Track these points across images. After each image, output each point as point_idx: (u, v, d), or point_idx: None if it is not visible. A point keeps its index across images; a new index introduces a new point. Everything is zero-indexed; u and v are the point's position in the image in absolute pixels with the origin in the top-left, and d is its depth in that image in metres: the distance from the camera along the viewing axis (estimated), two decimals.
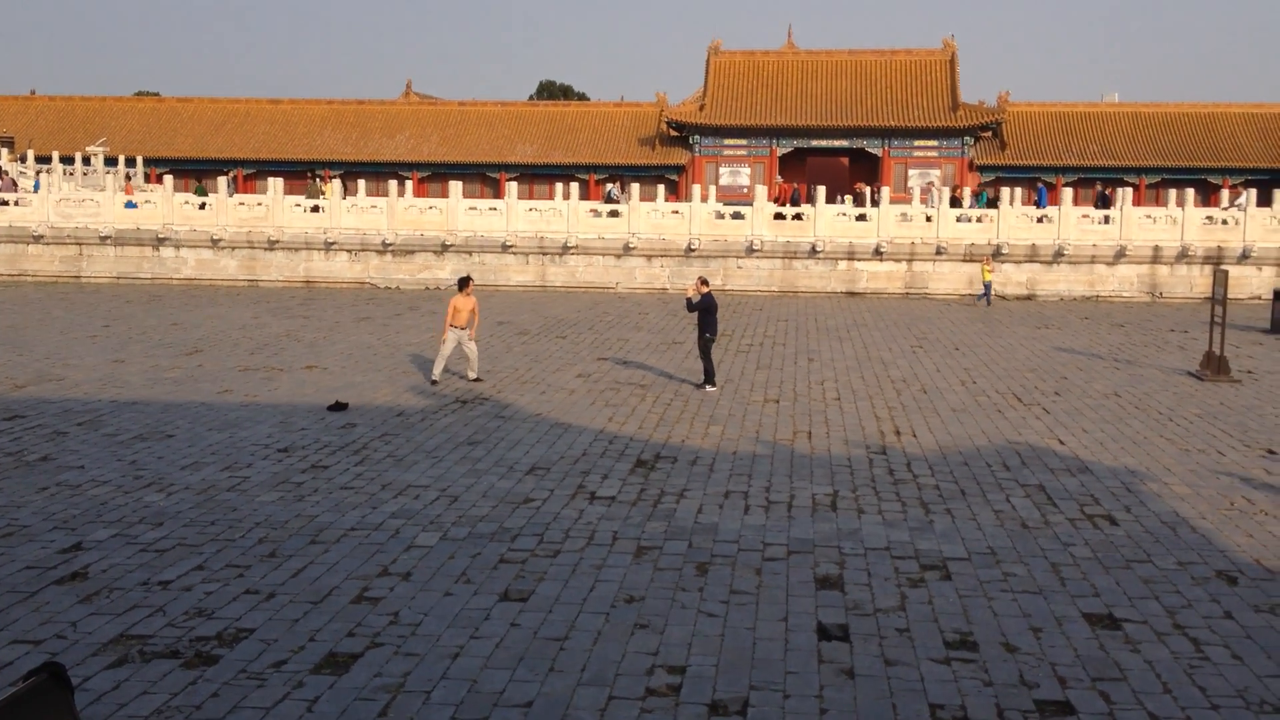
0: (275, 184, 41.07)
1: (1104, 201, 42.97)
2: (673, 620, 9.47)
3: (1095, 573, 10.77)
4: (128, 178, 51.99)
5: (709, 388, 20.24)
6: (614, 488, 13.66)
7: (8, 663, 8.50)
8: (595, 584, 10.32)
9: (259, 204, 40.64)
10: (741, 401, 19.40)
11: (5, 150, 53.41)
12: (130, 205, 41.23)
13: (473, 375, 20.80)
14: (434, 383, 20.55)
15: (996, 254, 38.09)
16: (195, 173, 65.07)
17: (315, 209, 40.29)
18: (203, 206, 40.57)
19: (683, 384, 20.89)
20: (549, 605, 9.78)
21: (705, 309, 20.51)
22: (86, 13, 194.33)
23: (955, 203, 41.25)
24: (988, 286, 36.43)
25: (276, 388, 20.09)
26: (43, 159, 55.52)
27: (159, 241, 40.14)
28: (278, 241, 39.85)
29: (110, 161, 56.39)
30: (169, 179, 44.10)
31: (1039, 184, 46.99)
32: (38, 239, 40.38)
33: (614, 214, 39.85)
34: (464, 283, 21.27)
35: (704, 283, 20.91)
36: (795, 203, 43.40)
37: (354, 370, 21.97)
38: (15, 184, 45.69)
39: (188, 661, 8.58)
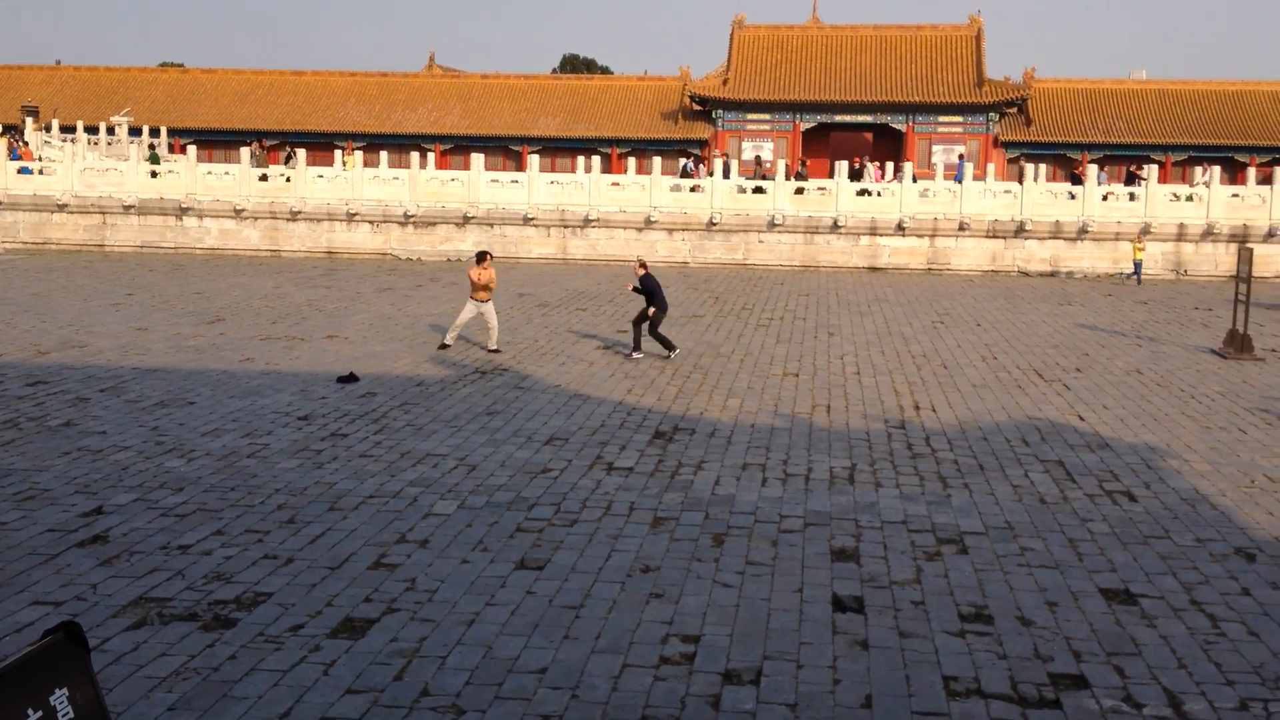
0: (299, 155, 41.16)
1: (1132, 180, 42.60)
2: (688, 590, 9.50)
3: (1113, 548, 10.73)
4: (25, 143, 48.29)
5: (671, 355, 20.67)
6: (632, 458, 13.68)
7: (28, 623, 8.59)
8: (611, 553, 10.34)
9: (281, 175, 40.72)
10: (761, 375, 19.38)
11: (30, 120, 53.57)
12: (25, 171, 40.95)
13: (492, 346, 20.87)
14: (444, 347, 20.99)
15: (1020, 231, 37.86)
16: (219, 143, 65.25)
17: (315, 178, 40.37)
18: (154, 175, 40.67)
19: (701, 357, 20.89)
20: (565, 574, 9.82)
21: (649, 291, 20.91)
22: None
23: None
24: (1138, 265, 35.87)
25: (297, 356, 20.17)
26: (68, 129, 55.71)
27: (182, 211, 40.29)
28: (300, 212, 39.94)
29: (135, 131, 56.56)
30: (192, 149, 44.20)
31: (960, 158, 45.45)
32: (62, 208, 40.57)
33: (637, 187, 39.77)
34: (481, 256, 21.40)
35: (642, 265, 21.44)
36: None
37: (375, 340, 22.04)
38: None
39: (206, 624, 8.66)
